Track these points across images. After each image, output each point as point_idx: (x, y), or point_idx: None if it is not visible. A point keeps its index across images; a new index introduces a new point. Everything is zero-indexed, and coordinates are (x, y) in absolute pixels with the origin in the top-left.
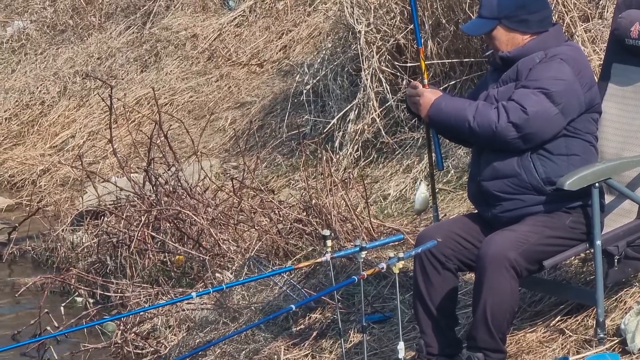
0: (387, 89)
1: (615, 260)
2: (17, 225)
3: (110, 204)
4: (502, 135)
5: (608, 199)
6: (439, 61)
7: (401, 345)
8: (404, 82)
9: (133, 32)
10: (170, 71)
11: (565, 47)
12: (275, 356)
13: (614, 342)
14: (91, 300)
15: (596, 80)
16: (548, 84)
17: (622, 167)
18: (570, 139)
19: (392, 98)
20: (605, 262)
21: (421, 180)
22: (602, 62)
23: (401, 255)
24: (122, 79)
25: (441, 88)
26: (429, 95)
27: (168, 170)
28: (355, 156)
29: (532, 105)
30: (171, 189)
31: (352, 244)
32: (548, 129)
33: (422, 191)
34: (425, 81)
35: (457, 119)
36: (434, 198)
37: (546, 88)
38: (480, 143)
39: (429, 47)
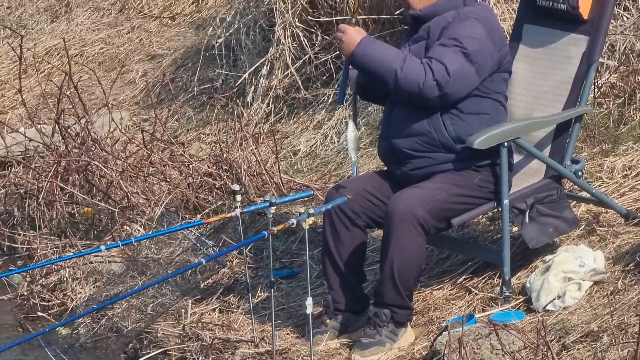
0: (300, 44)
1: (527, 216)
2: None
3: (18, 155)
4: (426, 93)
5: (517, 158)
6: (362, 17)
7: (309, 301)
8: (318, 38)
9: None
10: (81, 22)
11: (477, 7)
12: (183, 310)
13: (519, 300)
14: None
15: (507, 40)
16: (465, 42)
17: (531, 127)
18: (481, 99)
19: (306, 54)
20: (521, 219)
21: (347, 122)
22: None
23: (311, 211)
24: (32, 29)
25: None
26: (355, 34)
27: (78, 121)
28: (266, 111)
29: (452, 64)
30: (81, 140)
31: (261, 199)
32: (465, 88)
33: (352, 130)
34: (354, 20)
35: (384, 65)
36: (356, 153)
37: (464, 47)
38: (398, 94)
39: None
